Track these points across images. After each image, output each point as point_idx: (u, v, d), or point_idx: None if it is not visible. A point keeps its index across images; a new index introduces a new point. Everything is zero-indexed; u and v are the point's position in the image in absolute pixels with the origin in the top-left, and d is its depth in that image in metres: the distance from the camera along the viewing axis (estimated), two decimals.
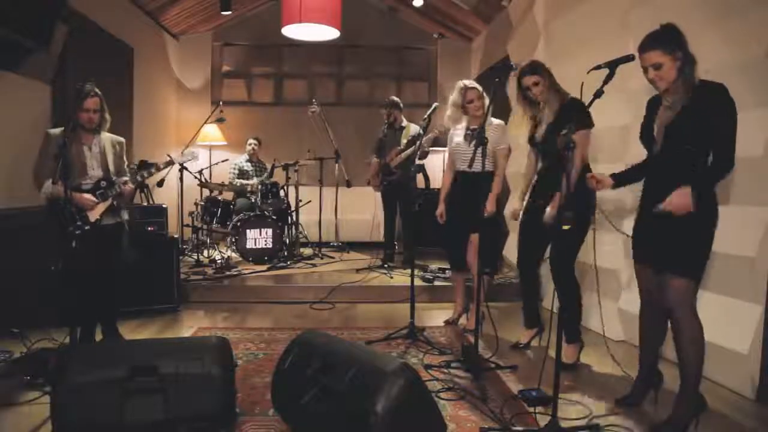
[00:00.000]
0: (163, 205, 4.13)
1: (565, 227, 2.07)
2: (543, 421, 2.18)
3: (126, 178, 3.03)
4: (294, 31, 4.63)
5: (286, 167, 5.63)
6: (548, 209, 2.75)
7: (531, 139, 3.04)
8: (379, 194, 5.44)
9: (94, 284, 2.97)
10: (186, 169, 5.25)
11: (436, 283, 4.58)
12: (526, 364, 3.00)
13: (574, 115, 2.66)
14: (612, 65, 2.13)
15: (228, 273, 4.70)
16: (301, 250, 5.83)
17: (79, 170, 2.92)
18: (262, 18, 7.03)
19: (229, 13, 6.15)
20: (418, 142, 4.02)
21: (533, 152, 3.13)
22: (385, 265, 5.16)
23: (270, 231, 5.23)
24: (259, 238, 5.20)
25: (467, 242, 3.49)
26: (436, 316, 4.01)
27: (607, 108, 2.61)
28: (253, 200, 5.58)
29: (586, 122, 2.72)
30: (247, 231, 5.16)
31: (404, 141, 5.02)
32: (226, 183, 5.82)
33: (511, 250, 5.10)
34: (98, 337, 3.13)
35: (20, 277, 3.25)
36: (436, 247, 5.76)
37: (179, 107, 7.13)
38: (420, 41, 7.39)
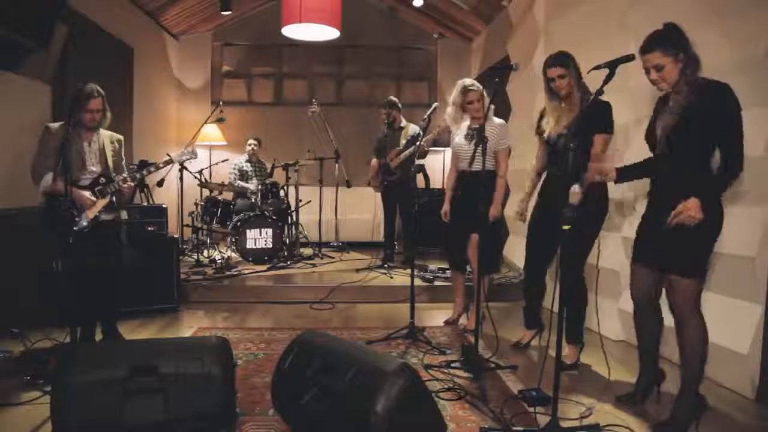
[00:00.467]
0: (163, 205, 4.14)
1: (566, 227, 2.06)
2: (543, 421, 2.18)
3: (125, 175, 3.03)
4: (294, 31, 4.63)
5: (286, 167, 5.64)
6: None
7: (541, 134, 2.96)
8: (379, 194, 5.45)
9: (94, 283, 2.97)
10: (186, 168, 5.25)
11: (436, 283, 4.58)
12: (526, 364, 3.00)
13: (598, 119, 2.61)
14: (612, 65, 2.12)
15: (228, 273, 4.70)
16: (301, 250, 5.83)
17: (79, 166, 2.92)
18: (262, 18, 7.03)
19: (229, 13, 6.16)
20: (417, 143, 4.02)
21: (542, 149, 3.03)
22: (385, 265, 5.16)
23: (270, 231, 5.23)
24: (259, 238, 5.20)
25: (467, 242, 3.49)
26: (436, 316, 4.00)
27: None
28: (253, 200, 5.58)
29: (607, 128, 2.65)
30: (247, 231, 5.16)
31: (403, 141, 5.03)
32: (226, 183, 5.82)
33: (511, 250, 5.10)
34: (98, 337, 3.13)
35: (20, 277, 3.25)
36: (436, 247, 5.79)
37: (179, 107, 7.13)
38: (420, 41, 7.39)
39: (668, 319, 2.38)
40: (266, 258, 5.19)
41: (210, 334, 3.41)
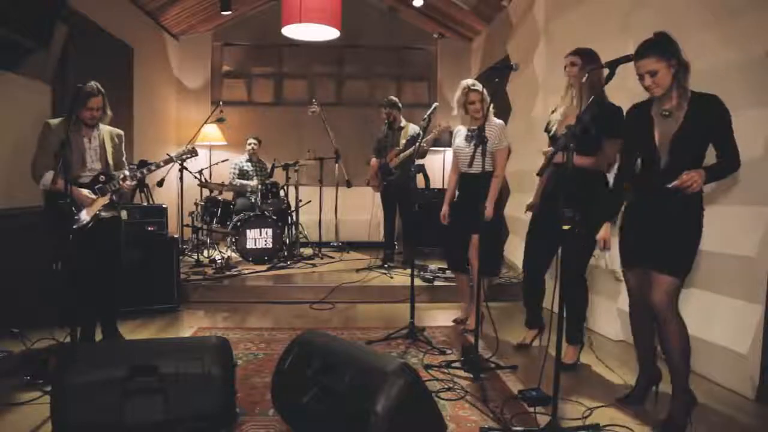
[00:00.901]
0: (163, 205, 4.13)
1: (565, 227, 2.06)
2: (543, 421, 2.18)
3: (126, 172, 3.03)
4: (294, 31, 4.63)
5: (286, 167, 5.64)
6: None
7: (549, 131, 2.98)
8: (378, 194, 5.45)
9: (94, 281, 2.97)
10: (186, 168, 5.25)
11: (436, 283, 4.58)
12: (526, 364, 3.00)
13: (605, 122, 2.62)
14: (612, 65, 2.13)
15: (228, 273, 4.70)
16: (301, 250, 5.83)
17: (79, 163, 2.92)
18: (262, 18, 7.03)
19: (229, 13, 6.15)
20: (417, 143, 4.02)
21: (550, 144, 3.03)
22: (385, 265, 5.16)
23: (270, 231, 5.23)
24: (259, 238, 5.20)
25: (468, 243, 3.49)
26: (436, 316, 4.01)
27: None
28: (253, 200, 5.58)
29: (616, 132, 2.63)
30: (247, 231, 5.16)
31: (403, 141, 5.03)
32: (226, 183, 5.82)
33: (511, 250, 5.10)
34: (98, 337, 3.13)
35: (20, 277, 3.25)
36: (436, 247, 5.78)
37: (179, 107, 7.12)
38: (420, 41, 7.39)
39: None
40: (266, 258, 5.19)
41: (210, 334, 3.41)
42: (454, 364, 2.90)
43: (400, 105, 5.18)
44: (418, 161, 5.60)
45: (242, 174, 6.01)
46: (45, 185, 2.80)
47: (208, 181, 5.71)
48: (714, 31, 2.72)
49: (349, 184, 5.62)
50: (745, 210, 2.60)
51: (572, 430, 2.16)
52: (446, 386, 2.63)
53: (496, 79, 2.93)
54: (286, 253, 5.51)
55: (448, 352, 3.14)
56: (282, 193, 5.74)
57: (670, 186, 2.11)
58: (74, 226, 2.83)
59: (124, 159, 3.15)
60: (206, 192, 5.73)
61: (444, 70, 7.34)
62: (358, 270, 5.05)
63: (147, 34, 6.11)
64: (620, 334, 3.44)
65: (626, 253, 2.42)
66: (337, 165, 5.73)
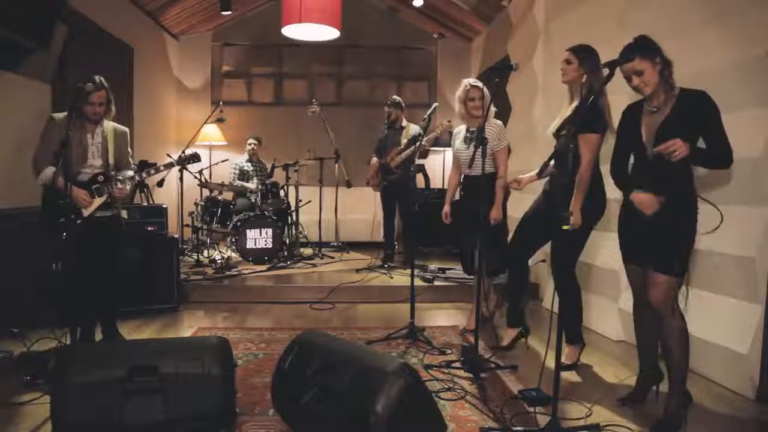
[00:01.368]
0: (163, 205, 4.13)
1: (565, 227, 2.07)
2: (543, 421, 2.18)
3: (129, 173, 3.01)
4: (294, 31, 4.63)
5: (286, 167, 5.64)
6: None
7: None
8: (378, 194, 5.45)
9: (94, 280, 2.96)
10: (186, 168, 5.25)
11: (436, 283, 4.58)
12: (526, 364, 3.00)
13: (586, 116, 2.62)
14: (612, 65, 2.14)
15: (228, 273, 4.70)
16: (301, 250, 5.83)
17: (80, 158, 2.90)
18: (262, 18, 7.03)
19: (229, 13, 6.15)
20: (417, 143, 4.02)
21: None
22: (385, 265, 5.16)
23: (270, 231, 5.23)
24: (259, 238, 5.20)
25: (475, 246, 3.47)
26: (436, 316, 4.01)
27: None
28: (253, 200, 5.58)
29: (594, 127, 2.64)
30: (247, 231, 5.16)
31: (404, 141, 5.03)
32: (226, 183, 5.83)
33: None
34: (98, 337, 3.13)
35: (20, 277, 3.25)
36: (436, 247, 5.79)
37: (179, 107, 7.12)
38: (420, 41, 7.39)
39: None
40: (266, 258, 5.19)
41: (210, 334, 3.41)
42: (454, 364, 2.90)
43: (403, 105, 5.19)
44: (419, 161, 5.60)
45: (242, 174, 6.01)
46: (44, 180, 2.79)
47: (208, 181, 5.71)
48: (714, 31, 2.72)
49: (349, 184, 5.62)
50: (745, 210, 2.60)
51: (572, 430, 2.16)
52: (446, 386, 2.63)
53: (496, 79, 2.93)
54: (286, 253, 5.51)
55: (448, 352, 3.14)
56: (282, 193, 5.74)
57: (656, 150, 2.12)
58: (69, 225, 2.80)
59: (130, 158, 3.13)
60: (206, 192, 5.73)
61: (444, 70, 7.34)
62: (358, 270, 5.05)
63: (147, 34, 6.11)
64: (620, 334, 3.44)
65: (625, 248, 2.44)
66: (337, 165, 5.73)
